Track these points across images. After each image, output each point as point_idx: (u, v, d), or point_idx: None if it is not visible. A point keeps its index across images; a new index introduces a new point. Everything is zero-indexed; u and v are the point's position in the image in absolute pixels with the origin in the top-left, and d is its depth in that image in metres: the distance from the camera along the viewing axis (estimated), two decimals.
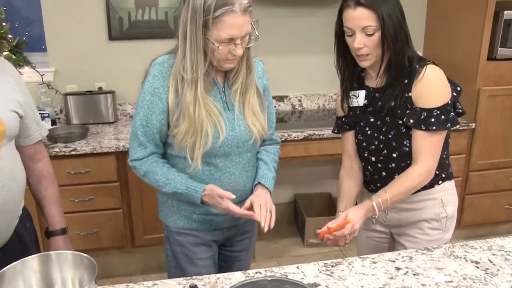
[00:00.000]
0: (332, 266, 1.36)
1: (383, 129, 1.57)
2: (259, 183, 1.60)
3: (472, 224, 3.32)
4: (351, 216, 1.47)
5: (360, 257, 1.41)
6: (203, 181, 1.53)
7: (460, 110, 1.55)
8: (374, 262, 1.38)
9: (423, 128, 1.48)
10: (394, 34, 1.45)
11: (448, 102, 1.50)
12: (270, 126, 1.68)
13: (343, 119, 1.71)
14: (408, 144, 1.54)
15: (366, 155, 1.65)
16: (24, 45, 2.98)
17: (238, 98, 1.52)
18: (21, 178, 1.43)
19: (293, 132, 2.83)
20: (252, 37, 1.45)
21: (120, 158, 2.61)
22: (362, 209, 1.51)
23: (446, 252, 1.42)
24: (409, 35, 1.51)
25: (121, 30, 3.02)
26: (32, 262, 1.14)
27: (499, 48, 2.92)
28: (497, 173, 3.22)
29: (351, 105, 1.66)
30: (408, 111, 1.51)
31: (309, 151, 2.89)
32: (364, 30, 1.44)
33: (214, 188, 1.47)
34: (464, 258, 1.39)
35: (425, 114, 1.48)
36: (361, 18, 1.44)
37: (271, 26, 3.24)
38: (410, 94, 1.50)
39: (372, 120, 1.61)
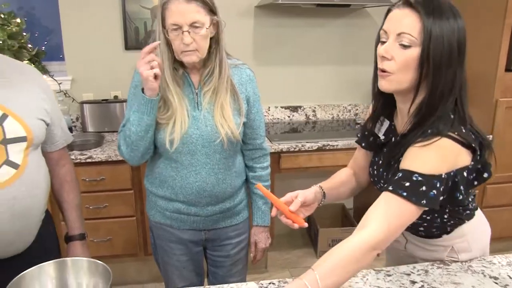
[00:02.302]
0: None
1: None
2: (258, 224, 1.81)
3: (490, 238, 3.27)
4: None
5: (374, 270, 1.39)
6: (171, 177, 1.62)
7: (487, 174, 1.22)
8: (389, 275, 1.36)
9: (390, 188, 1.13)
10: (439, 61, 1.10)
11: (441, 175, 1.12)
12: (259, 135, 1.73)
13: (365, 132, 1.45)
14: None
15: (376, 187, 1.42)
16: (43, 54, 3.03)
17: (208, 99, 1.57)
18: (45, 185, 1.47)
19: (307, 142, 2.82)
20: (204, 28, 1.48)
21: (135, 166, 2.63)
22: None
23: (463, 267, 1.39)
24: (460, 86, 1.16)
25: (137, 39, 3.07)
26: (48, 268, 1.16)
27: None
28: None
29: (373, 130, 1.40)
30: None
31: (322, 162, 2.88)
32: (399, 38, 1.12)
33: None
34: (482, 273, 1.36)
35: (400, 175, 1.14)
36: (401, 21, 1.11)
37: (286, 36, 3.26)
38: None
39: (381, 162, 1.36)
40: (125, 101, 3.02)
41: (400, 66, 1.13)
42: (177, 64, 1.57)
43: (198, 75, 1.60)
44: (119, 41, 3.06)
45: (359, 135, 1.50)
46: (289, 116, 3.43)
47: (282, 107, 3.40)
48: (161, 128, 1.56)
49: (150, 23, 3.05)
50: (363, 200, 3.50)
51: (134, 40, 3.06)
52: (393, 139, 1.31)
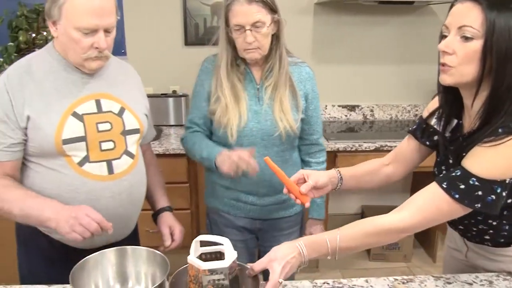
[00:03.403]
0: (403, 283, 1.31)
1: None
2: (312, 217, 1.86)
3: None
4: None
5: (433, 276, 1.34)
6: None
7: None
8: (449, 283, 1.31)
9: (444, 186, 1.12)
10: (504, 53, 1.05)
11: (504, 181, 1.09)
12: (316, 130, 1.79)
13: (423, 127, 1.40)
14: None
15: None
16: None
17: (269, 94, 1.65)
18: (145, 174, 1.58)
19: (364, 142, 2.77)
20: (265, 27, 1.56)
21: (191, 160, 2.66)
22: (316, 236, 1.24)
23: None
24: None
25: (196, 35, 3.11)
26: (109, 254, 1.21)
27: None
28: None
29: (433, 125, 1.35)
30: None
31: None
32: (461, 31, 1.08)
33: (226, 151, 1.58)
34: None
35: (458, 174, 1.12)
36: (463, 14, 1.08)
37: (345, 34, 3.21)
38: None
39: (451, 161, 1.28)
40: (183, 95, 3.08)
41: (461, 59, 1.09)
42: (240, 60, 1.66)
43: (260, 71, 1.68)
44: (179, 37, 3.12)
45: (415, 128, 1.43)
46: (346, 115, 3.37)
47: (339, 106, 3.35)
48: (220, 128, 1.65)
49: (210, 19, 3.08)
50: None
51: (193, 36, 3.11)
52: (460, 138, 1.26)
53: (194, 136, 1.75)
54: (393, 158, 1.49)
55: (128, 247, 1.24)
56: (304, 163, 1.83)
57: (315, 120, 1.77)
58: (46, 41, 2.91)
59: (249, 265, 1.17)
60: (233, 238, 1.73)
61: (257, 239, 1.89)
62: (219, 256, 1.14)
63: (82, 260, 1.15)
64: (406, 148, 1.47)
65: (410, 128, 1.46)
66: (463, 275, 1.35)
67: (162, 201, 1.70)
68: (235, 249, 1.78)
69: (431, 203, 1.13)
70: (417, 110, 3.39)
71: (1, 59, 2.97)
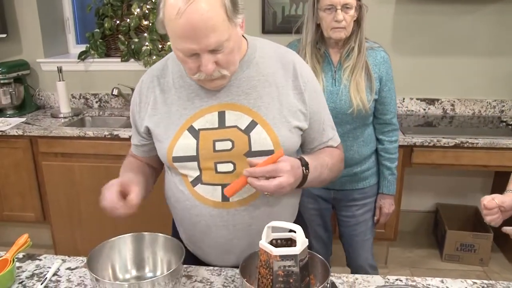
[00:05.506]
0: None
1: None
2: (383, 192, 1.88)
3: None
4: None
5: None
6: None
7: None
8: None
9: None
10: None
11: None
12: (389, 111, 1.78)
13: None
14: None
15: None
16: None
17: (347, 75, 1.68)
18: (292, 211, 1.30)
19: (443, 137, 2.41)
20: (353, 9, 1.61)
21: None
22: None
23: None
24: None
25: (274, 24, 2.92)
26: (127, 239, 1.14)
27: None
28: None
29: None
30: None
31: (459, 160, 2.44)
32: None
33: None
34: None
35: None
36: None
37: (428, 24, 2.83)
38: None
39: None
40: None
41: None
42: (320, 43, 1.72)
43: (338, 54, 1.72)
44: (257, 24, 2.93)
45: None
46: (424, 109, 2.98)
47: (417, 99, 2.96)
48: None
49: (289, 8, 2.88)
50: None
51: (271, 25, 2.92)
52: None
53: None
54: None
55: (146, 233, 1.13)
56: (378, 141, 1.85)
57: (388, 101, 1.77)
58: (129, 28, 2.88)
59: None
60: (308, 206, 1.89)
61: (333, 208, 1.93)
62: (290, 243, 1.04)
63: (100, 244, 1.06)
64: None
65: None
66: None
67: None
68: (309, 216, 1.87)
69: None
70: (503, 106, 2.90)
71: (88, 45, 2.99)
